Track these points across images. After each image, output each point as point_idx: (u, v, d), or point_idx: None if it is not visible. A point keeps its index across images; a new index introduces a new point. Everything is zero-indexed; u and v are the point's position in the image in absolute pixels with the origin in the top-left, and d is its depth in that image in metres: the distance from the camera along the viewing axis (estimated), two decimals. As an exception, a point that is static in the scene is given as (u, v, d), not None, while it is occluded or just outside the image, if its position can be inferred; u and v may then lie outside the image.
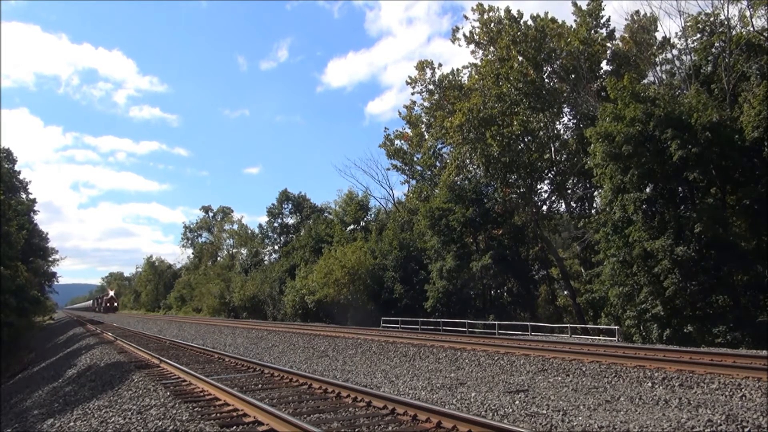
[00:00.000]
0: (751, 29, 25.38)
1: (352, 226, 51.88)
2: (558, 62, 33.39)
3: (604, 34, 33.07)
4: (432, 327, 29.22)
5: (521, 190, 36.13)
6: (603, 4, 32.75)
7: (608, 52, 32.99)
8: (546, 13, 34.03)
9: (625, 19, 32.94)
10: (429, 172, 46.37)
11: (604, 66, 33.57)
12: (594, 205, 34.67)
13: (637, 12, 32.40)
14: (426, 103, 43.62)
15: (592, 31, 32.60)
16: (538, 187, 37.67)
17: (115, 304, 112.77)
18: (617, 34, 32.95)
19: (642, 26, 31.45)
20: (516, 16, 33.89)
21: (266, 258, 68.66)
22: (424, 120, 44.76)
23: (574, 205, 36.94)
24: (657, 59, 30.82)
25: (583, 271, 34.44)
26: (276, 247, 68.24)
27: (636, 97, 23.53)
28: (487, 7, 34.97)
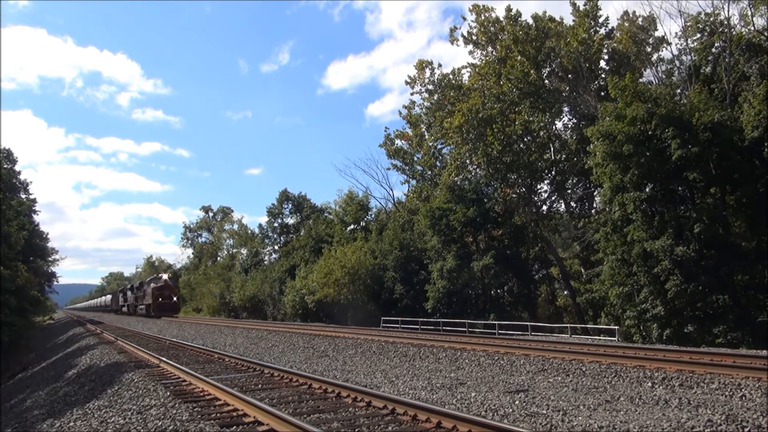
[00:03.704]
0: (752, 29, 25.39)
1: (352, 226, 51.88)
2: (557, 62, 33.44)
3: (603, 33, 33.12)
4: (432, 327, 29.20)
5: (521, 190, 36.15)
6: (599, 4, 32.85)
7: (604, 51, 33.07)
8: (544, 12, 34.07)
9: (617, 19, 33.14)
10: (429, 172, 46.35)
11: (603, 65, 33.65)
12: (594, 204, 34.73)
13: (626, 12, 32.60)
14: (426, 104, 43.65)
15: (591, 31, 32.64)
16: (538, 187, 37.75)
17: (174, 299, 56.33)
18: (616, 34, 33.05)
19: (639, 26, 31.54)
20: (515, 15, 33.94)
21: (266, 258, 68.67)
22: (424, 120, 44.78)
23: (574, 205, 36.97)
24: (653, 58, 30.91)
25: (583, 271, 34.47)
26: (276, 247, 68.25)
27: (638, 96, 23.55)
28: (483, 7, 35.02)
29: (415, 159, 47.75)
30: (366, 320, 36.49)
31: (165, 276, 59.55)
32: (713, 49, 26.98)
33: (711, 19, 27.05)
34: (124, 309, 69.97)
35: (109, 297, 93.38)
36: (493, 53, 34.81)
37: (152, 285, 54.92)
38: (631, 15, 32.43)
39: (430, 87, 42.09)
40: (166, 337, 25.00)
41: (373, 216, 53.59)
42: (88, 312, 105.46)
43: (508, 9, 34.08)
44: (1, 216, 33.37)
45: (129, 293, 68.43)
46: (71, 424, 9.42)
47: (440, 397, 9.23)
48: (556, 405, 8.18)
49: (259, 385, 11.02)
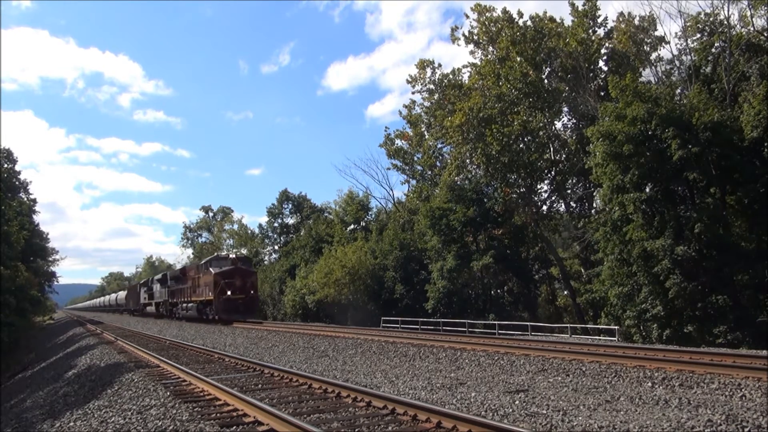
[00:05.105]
0: (752, 29, 25.41)
1: (352, 226, 51.92)
2: (557, 62, 33.49)
3: (602, 34, 33.18)
4: (432, 327, 29.21)
5: (521, 190, 36.18)
6: (598, 4, 32.97)
7: (602, 50, 33.13)
8: (544, 12, 34.11)
9: (613, 21, 33.26)
10: (429, 172, 46.40)
11: (603, 66, 33.72)
12: (594, 204, 34.76)
13: (622, 13, 32.70)
14: (426, 103, 43.71)
15: (590, 31, 32.70)
16: (538, 187, 37.79)
17: (252, 292, 33.97)
18: (615, 34, 33.13)
19: (638, 26, 31.64)
20: (515, 16, 33.99)
21: (266, 258, 68.63)
22: (425, 120, 44.85)
23: (574, 205, 36.99)
24: (652, 57, 31.00)
25: (583, 271, 34.50)
26: (276, 247, 68.27)
27: (639, 96, 23.55)
28: (484, 7, 35.07)
29: (415, 159, 47.82)
30: (366, 320, 36.49)
31: (232, 254, 37.79)
32: (713, 49, 27.01)
33: (711, 19, 27.08)
34: (150, 309, 50.45)
35: (121, 294, 74.00)
36: (494, 53, 34.86)
37: (212, 270, 33.75)
38: (627, 16, 32.54)
39: (431, 87, 42.16)
40: (166, 337, 25.00)
41: (373, 216, 53.66)
42: (91, 313, 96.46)
43: (505, 11, 34.17)
44: (1, 216, 33.38)
45: (157, 286, 48.10)
46: (71, 424, 9.42)
47: (440, 397, 9.23)
48: (556, 405, 8.17)
49: (259, 385, 11.01)
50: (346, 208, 53.63)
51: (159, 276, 50.29)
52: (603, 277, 25.65)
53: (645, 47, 31.85)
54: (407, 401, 8.11)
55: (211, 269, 34.15)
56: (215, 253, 43.60)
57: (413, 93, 43.52)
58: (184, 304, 39.09)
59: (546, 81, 34.07)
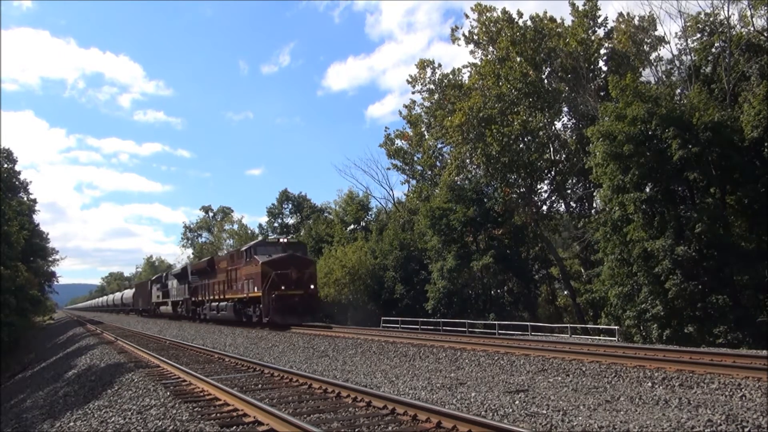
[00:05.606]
0: (752, 29, 25.41)
1: (352, 226, 51.92)
2: (557, 62, 33.49)
3: (602, 34, 33.20)
4: (432, 327, 29.21)
5: (521, 190, 36.18)
6: (599, 4, 32.98)
7: (602, 50, 33.14)
8: (545, 12, 34.11)
9: (613, 21, 33.29)
10: (429, 172, 46.40)
11: (603, 66, 33.73)
12: (594, 204, 34.77)
13: (621, 14, 32.73)
14: (426, 103, 43.72)
15: (590, 31, 32.71)
16: (538, 187, 37.79)
17: (312, 287, 25.73)
18: (615, 34, 33.14)
19: (638, 26, 31.65)
20: (515, 16, 33.99)
21: (266, 258, 68.35)
22: (425, 120, 44.86)
23: (574, 205, 36.99)
24: (651, 57, 31.03)
25: (583, 271, 34.50)
26: (276, 247, 68.17)
27: (639, 96, 23.56)
28: (484, 7, 35.08)
29: (415, 159, 47.81)
30: (366, 320, 36.49)
31: (283, 239, 30.09)
32: (713, 49, 27.01)
33: (711, 19, 27.08)
34: (165, 309, 43.59)
35: (128, 293, 66.49)
36: (494, 53, 34.88)
37: (258, 258, 26.36)
38: (627, 16, 32.56)
39: (431, 87, 42.17)
40: (166, 337, 25.01)
41: (373, 216, 53.64)
42: (92, 313, 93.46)
43: (505, 11, 34.20)
44: (1, 216, 33.39)
45: (174, 282, 41.06)
46: (71, 424, 9.42)
47: (440, 397, 9.22)
48: (556, 405, 8.17)
49: (259, 385, 11.01)
50: (346, 208, 53.63)
51: (177, 270, 43.19)
52: (603, 277, 25.65)
53: (645, 47, 31.84)
54: (407, 401, 8.11)
55: (256, 257, 26.49)
56: (259, 238, 34.18)
57: (413, 93, 43.58)
58: (215, 303, 32.10)
59: (546, 81, 34.06)
